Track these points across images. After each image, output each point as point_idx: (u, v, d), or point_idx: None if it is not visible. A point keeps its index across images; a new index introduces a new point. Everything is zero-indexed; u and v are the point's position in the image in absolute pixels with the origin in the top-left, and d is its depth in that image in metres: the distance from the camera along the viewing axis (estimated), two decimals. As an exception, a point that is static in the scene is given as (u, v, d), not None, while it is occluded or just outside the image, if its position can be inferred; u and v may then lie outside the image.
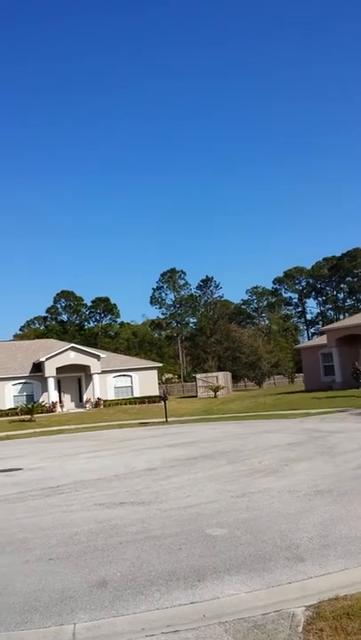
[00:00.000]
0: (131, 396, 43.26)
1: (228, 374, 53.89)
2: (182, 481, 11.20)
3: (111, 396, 43.45)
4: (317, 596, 5.10)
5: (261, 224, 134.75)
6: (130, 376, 45.11)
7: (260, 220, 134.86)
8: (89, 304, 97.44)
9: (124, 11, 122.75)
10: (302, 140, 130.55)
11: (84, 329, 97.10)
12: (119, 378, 44.83)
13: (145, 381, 44.98)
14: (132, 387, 44.76)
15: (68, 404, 43.19)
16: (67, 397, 43.77)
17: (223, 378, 50.24)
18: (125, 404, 40.96)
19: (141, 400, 41.34)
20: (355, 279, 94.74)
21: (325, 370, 41.09)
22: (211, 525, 7.69)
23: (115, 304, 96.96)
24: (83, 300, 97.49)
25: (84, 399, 43.16)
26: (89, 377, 43.07)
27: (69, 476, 12.91)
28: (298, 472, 11.12)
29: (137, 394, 43.72)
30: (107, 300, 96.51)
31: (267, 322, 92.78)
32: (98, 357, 43.05)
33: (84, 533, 7.81)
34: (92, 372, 42.52)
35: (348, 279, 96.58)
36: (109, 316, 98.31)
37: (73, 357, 42.39)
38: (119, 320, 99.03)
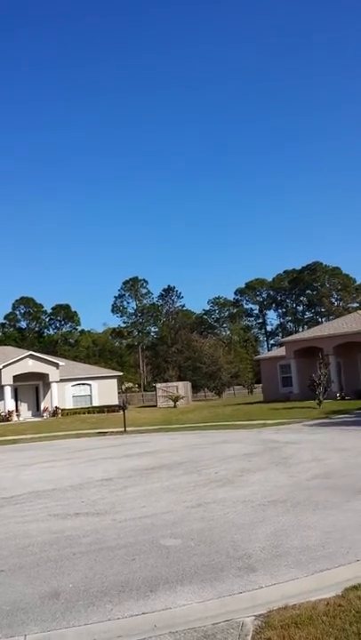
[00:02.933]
0: (90, 405, 42.89)
1: (189, 384, 54.05)
2: (138, 491, 11.19)
3: (69, 404, 42.99)
4: (267, 605, 5.19)
5: (223, 236, 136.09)
6: (89, 385, 44.76)
7: (223, 232, 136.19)
8: (49, 311, 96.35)
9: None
10: (266, 154, 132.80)
11: (43, 336, 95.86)
12: (78, 386, 44.43)
13: (104, 390, 44.70)
14: (91, 396, 44.41)
15: (25, 413, 42.52)
16: (24, 406, 43.08)
17: (183, 388, 50.35)
18: (84, 413, 40.57)
19: (100, 409, 41.04)
20: (314, 292, 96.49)
21: (283, 381, 41.72)
22: (165, 536, 7.72)
23: (75, 311, 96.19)
24: (43, 307, 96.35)
25: (42, 408, 42.57)
26: (47, 385, 42.53)
27: (24, 487, 12.73)
28: (253, 482, 11.25)
29: (96, 403, 43.39)
30: (67, 307, 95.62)
31: (228, 332, 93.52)
32: (57, 365, 42.58)
33: (38, 544, 7.73)
34: (50, 380, 42.01)
35: (307, 292, 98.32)
36: (70, 324, 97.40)
37: (31, 365, 41.82)
38: (80, 328, 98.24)
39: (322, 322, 77.75)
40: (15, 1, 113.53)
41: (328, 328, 40.24)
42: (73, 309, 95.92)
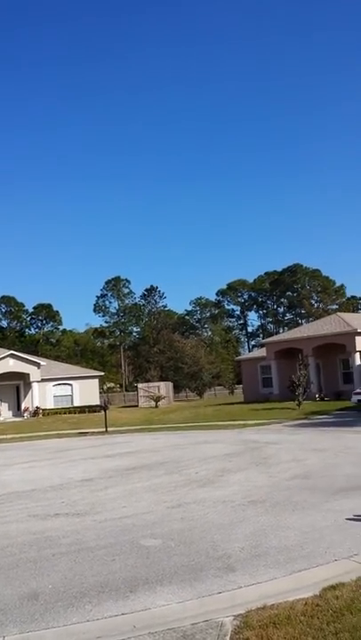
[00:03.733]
0: (71, 405, 42.67)
1: (170, 384, 54.07)
2: (119, 492, 11.20)
3: (50, 404, 42.73)
4: (246, 605, 5.23)
5: (206, 237, 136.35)
6: (70, 385, 44.55)
7: (205, 233, 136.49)
8: (30, 310, 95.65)
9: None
10: (248, 156, 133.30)
11: (24, 336, 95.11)
12: (59, 386, 44.19)
13: (86, 390, 44.51)
14: (72, 395, 44.20)
15: (5, 413, 42.14)
16: (4, 406, 42.69)
17: (165, 388, 50.35)
18: (65, 413, 40.35)
19: (81, 409, 40.85)
20: (294, 294, 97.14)
21: (264, 382, 41.93)
22: (145, 536, 7.74)
23: (57, 311, 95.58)
24: (24, 306, 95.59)
25: (23, 408, 42.24)
26: (28, 385, 42.22)
27: (3, 487, 12.66)
28: (233, 482, 11.33)
29: (77, 403, 43.18)
30: (49, 306, 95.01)
31: (209, 333, 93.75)
32: (38, 365, 42.31)
33: (17, 545, 7.71)
34: (31, 380, 41.72)
35: (288, 294, 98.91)
36: (51, 323, 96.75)
37: (12, 365, 41.48)
38: (61, 327, 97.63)
39: (302, 323, 78.32)
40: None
41: (308, 330, 40.56)
42: (55, 309, 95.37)
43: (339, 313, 45.50)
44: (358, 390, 29.98)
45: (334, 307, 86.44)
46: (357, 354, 34.72)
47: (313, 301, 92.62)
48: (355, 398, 29.13)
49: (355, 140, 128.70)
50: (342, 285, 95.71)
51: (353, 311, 77.22)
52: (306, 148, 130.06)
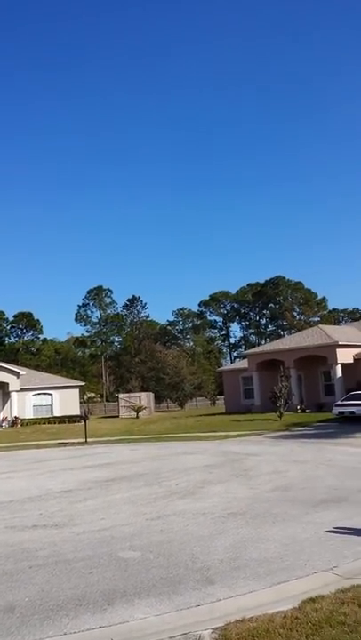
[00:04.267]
0: (50, 415, 42.28)
1: (151, 395, 53.89)
2: (98, 503, 11.09)
3: (30, 414, 42.30)
4: (225, 618, 5.19)
5: (189, 247, 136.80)
6: (50, 394, 44.16)
7: (188, 244, 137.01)
8: (11, 319, 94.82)
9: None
10: (232, 168, 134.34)
11: (4, 344, 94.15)
12: (39, 396, 43.78)
13: (66, 400, 44.15)
14: (52, 405, 43.81)
15: (-16, 422, 41.58)
16: (-18, 415, 42.17)
17: (146, 398, 50.15)
18: (44, 423, 39.97)
19: (61, 419, 40.51)
20: (276, 306, 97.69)
21: (245, 393, 42.00)
22: (124, 548, 7.66)
23: (38, 320, 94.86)
24: (4, 315, 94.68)
25: (1, 418, 41.71)
26: (7, 394, 41.75)
27: (-19, 498, 12.45)
28: (213, 494, 11.28)
29: (57, 413, 42.80)
30: (30, 315, 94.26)
31: (191, 344, 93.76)
32: (17, 374, 41.89)
33: (-7, 557, 7.57)
34: (10, 389, 41.27)
35: (270, 305, 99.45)
36: (32, 332, 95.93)
37: (-9, 374, 41.03)
38: (42, 336, 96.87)
39: (284, 335, 78.75)
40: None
41: (290, 341, 40.78)
42: (35, 317, 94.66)
43: (320, 325, 45.79)
44: (339, 402, 30.13)
45: (316, 319, 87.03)
46: (339, 366, 34.97)
47: (295, 313, 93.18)
48: (336, 410, 29.28)
49: (338, 153, 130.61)
50: (324, 298, 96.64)
51: (334, 323, 77.80)
52: (290, 161, 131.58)
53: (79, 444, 27.31)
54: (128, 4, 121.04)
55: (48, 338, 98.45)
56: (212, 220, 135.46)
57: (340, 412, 28.91)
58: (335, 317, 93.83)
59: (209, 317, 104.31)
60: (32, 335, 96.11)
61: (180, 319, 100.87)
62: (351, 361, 35.52)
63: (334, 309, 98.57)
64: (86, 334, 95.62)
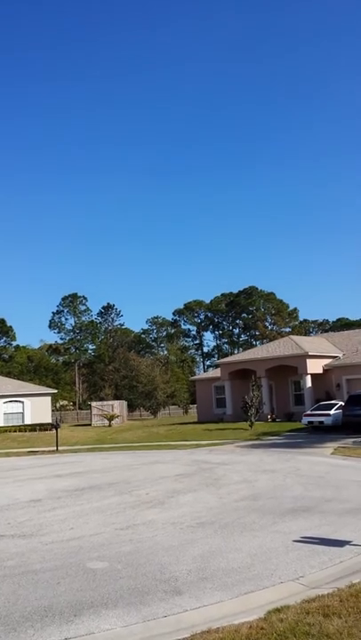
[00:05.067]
0: (21, 423, 41.75)
1: (124, 403, 53.66)
2: (67, 513, 11.02)
3: (0, 422, 41.72)
4: (191, 629, 5.22)
5: (164, 256, 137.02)
6: (22, 402, 43.63)
7: (163, 253, 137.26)
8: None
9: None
10: (206, 176, 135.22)
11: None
12: (10, 404, 43.20)
13: (38, 408, 43.68)
14: (23, 413, 43.27)
15: None
16: None
17: (119, 406, 49.92)
18: (15, 431, 39.41)
19: (32, 427, 40.03)
20: (250, 316, 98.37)
21: (218, 402, 42.14)
22: (92, 559, 7.64)
23: (10, 326, 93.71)
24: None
25: (-29, 425, 41.11)
26: (-23, 401, 41.17)
27: None
28: (183, 504, 11.30)
29: (28, 421, 42.30)
30: (2, 321, 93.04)
31: (165, 352, 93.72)
32: (-12, 381, 41.33)
33: None
34: (-20, 396, 40.69)
35: (243, 315, 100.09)
36: (4, 339, 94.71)
37: None
38: (15, 343, 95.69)
39: (256, 345, 79.32)
40: None
41: (261, 351, 41.09)
42: (8, 324, 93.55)
43: (292, 336, 46.26)
44: (309, 412, 30.45)
45: (288, 329, 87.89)
46: (308, 376, 35.35)
47: (267, 323, 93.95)
48: (305, 420, 29.58)
49: (310, 165, 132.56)
50: (296, 309, 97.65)
51: (305, 334, 78.77)
52: (263, 172, 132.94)
53: (50, 452, 27.06)
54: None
55: (21, 345, 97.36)
56: (187, 229, 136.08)
57: (309, 422, 29.22)
58: (306, 328, 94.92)
59: (183, 326, 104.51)
60: (4, 342, 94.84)
61: (155, 327, 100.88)
62: (321, 371, 35.95)
63: (305, 320, 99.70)
64: (60, 341, 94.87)
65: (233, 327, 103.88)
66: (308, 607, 5.52)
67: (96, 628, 5.32)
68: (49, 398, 46.44)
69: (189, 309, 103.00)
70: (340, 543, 7.73)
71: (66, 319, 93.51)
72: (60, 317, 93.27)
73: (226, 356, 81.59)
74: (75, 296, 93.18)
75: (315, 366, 35.79)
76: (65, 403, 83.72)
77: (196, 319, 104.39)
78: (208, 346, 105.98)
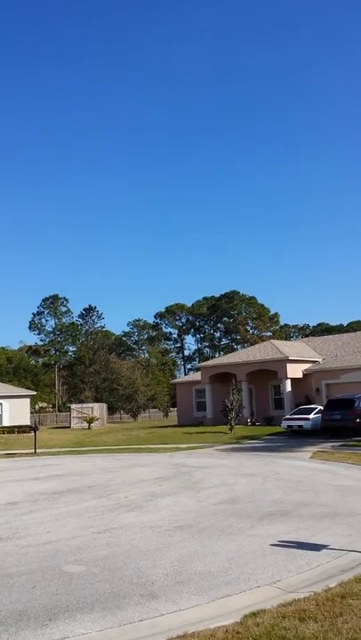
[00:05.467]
0: (-1, 425, 41.37)
1: (104, 405, 53.42)
2: (44, 516, 10.91)
3: (-23, 424, 41.27)
4: (167, 633, 5.19)
5: (146, 259, 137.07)
6: (0, 404, 43.22)
7: (146, 256, 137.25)
8: None
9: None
10: (191, 182, 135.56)
11: None
12: (-12, 405, 42.78)
13: (16, 410, 43.28)
14: (1, 415, 42.84)
15: None
16: None
17: (99, 409, 49.69)
18: (-7, 433, 39.04)
19: (10, 430, 39.66)
20: (231, 320, 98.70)
21: (198, 405, 42.17)
22: (69, 562, 7.57)
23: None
24: None
25: None
26: None
27: None
28: (162, 507, 11.27)
29: (6, 423, 41.88)
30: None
31: (146, 355, 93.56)
32: (-34, 382, 40.86)
33: None
34: None
35: (224, 319, 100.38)
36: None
37: None
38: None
39: (237, 349, 79.57)
40: None
41: (242, 355, 41.24)
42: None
43: (272, 340, 46.50)
44: (288, 416, 30.62)
45: (269, 334, 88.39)
46: (288, 380, 35.56)
47: (248, 328, 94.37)
48: (284, 424, 29.74)
49: (293, 171, 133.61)
50: (277, 313, 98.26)
51: (286, 339, 79.24)
52: (247, 180, 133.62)
53: (28, 455, 26.82)
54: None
55: (0, 345, 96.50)
56: (170, 232, 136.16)
57: (288, 426, 29.37)
58: (287, 333, 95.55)
59: (164, 329, 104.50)
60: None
61: (136, 330, 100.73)
62: (300, 376, 36.18)
63: (286, 325, 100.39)
64: (40, 343, 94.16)
65: (214, 331, 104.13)
66: (284, 611, 5.52)
67: (71, 632, 5.27)
68: (28, 400, 46.07)
69: (171, 312, 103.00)
70: (317, 547, 7.76)
71: (46, 320, 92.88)
72: (40, 319, 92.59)
73: (207, 359, 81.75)
74: (55, 297, 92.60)
75: (295, 371, 36.01)
76: (44, 405, 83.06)
77: (177, 322, 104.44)
78: (189, 349, 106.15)
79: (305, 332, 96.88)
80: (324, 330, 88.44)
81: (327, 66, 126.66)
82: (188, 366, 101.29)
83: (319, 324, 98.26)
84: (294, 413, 30.64)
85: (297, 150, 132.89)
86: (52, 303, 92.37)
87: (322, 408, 28.83)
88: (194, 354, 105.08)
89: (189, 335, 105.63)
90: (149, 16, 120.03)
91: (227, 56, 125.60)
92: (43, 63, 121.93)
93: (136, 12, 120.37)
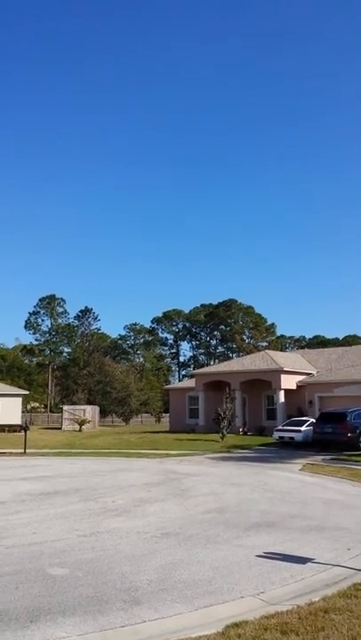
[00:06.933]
0: (-10, 424, 41.18)
1: (97, 408, 53.30)
2: (31, 517, 10.87)
3: (-32, 422, 41.08)
4: (148, 640, 5.18)
5: (146, 264, 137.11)
6: (-9, 402, 43.07)
7: (145, 260, 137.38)
8: None
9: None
10: (189, 188, 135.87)
11: None
12: (-21, 403, 42.61)
13: (7, 409, 43.09)
14: (-8, 413, 42.69)
15: None
16: None
17: (91, 411, 49.56)
18: (-18, 431, 38.90)
19: (1, 428, 39.53)
20: (227, 328, 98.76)
21: (191, 412, 42.09)
22: (53, 564, 7.54)
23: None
24: None
25: None
26: None
27: None
28: (149, 513, 11.23)
29: (-3, 421, 41.74)
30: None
31: (141, 359, 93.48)
32: None
33: None
34: None
35: (221, 327, 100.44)
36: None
37: None
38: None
39: (232, 357, 79.63)
40: None
41: (237, 364, 41.21)
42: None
43: (267, 350, 46.51)
44: (280, 427, 30.59)
45: (264, 344, 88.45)
46: (282, 391, 35.54)
47: (244, 337, 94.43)
48: (276, 435, 29.70)
49: (294, 180, 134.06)
50: (273, 324, 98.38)
51: (281, 349, 79.27)
52: (241, 191, 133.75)
53: (18, 454, 26.70)
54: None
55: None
56: (171, 236, 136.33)
57: (280, 437, 29.34)
58: (282, 343, 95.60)
59: (160, 334, 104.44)
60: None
61: (132, 334, 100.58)
62: (294, 387, 36.17)
63: (282, 336, 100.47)
64: (35, 343, 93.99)
65: (210, 338, 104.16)
66: (266, 623, 5.50)
67: (52, 635, 5.24)
68: (20, 399, 45.92)
69: (168, 318, 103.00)
70: (302, 560, 7.75)
71: (42, 320, 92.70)
72: (36, 318, 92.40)
73: (202, 366, 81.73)
74: (52, 297, 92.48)
75: (289, 382, 36.00)
76: (36, 405, 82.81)
77: (174, 328, 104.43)
78: (184, 355, 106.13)
79: (301, 343, 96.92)
80: (319, 342, 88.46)
81: (329, 69, 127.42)
82: (183, 373, 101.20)
83: (315, 337, 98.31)
84: (286, 425, 30.60)
85: (299, 158, 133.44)
86: (49, 303, 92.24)
87: (314, 420, 28.81)
88: (189, 360, 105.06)
89: (185, 341, 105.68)
90: (150, 16, 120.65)
91: (227, 57, 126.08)
92: (43, 59, 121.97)
93: (136, 13, 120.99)
